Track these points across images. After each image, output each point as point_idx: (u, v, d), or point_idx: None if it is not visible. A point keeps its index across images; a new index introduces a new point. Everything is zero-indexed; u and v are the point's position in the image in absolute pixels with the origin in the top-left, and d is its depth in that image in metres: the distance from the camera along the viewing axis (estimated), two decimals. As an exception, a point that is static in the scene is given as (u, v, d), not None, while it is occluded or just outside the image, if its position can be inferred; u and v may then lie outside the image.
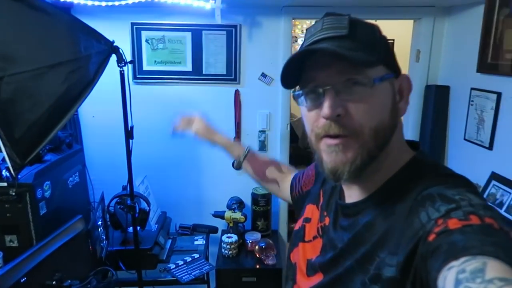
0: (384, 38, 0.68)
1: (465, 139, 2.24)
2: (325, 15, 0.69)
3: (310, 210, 0.87)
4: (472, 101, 2.18)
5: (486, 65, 2.06)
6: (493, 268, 0.44)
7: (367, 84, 0.62)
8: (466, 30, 2.22)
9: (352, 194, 0.74)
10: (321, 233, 0.79)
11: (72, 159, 2.08)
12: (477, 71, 2.11)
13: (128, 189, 1.79)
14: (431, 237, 0.53)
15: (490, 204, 0.57)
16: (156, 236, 2.13)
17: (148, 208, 2.01)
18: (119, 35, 1.70)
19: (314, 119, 0.67)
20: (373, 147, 0.64)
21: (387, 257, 0.60)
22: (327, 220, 0.78)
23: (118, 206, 1.99)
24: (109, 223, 2.00)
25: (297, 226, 0.90)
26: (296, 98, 0.70)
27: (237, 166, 1.24)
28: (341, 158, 0.65)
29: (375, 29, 0.68)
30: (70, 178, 2.02)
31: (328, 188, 0.84)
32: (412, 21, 2.49)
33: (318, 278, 0.75)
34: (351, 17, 0.66)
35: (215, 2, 1.99)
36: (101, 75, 1.52)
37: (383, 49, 0.66)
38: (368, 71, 0.62)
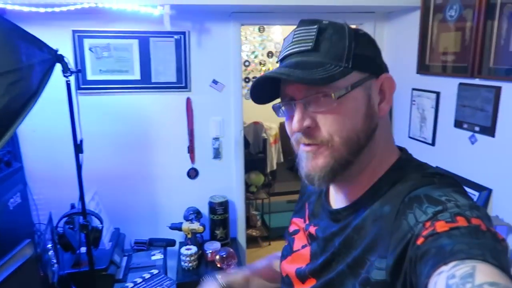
0: (355, 43, 0.66)
1: (409, 136, 2.38)
2: (299, 24, 0.70)
3: (297, 223, 0.87)
4: (414, 100, 2.32)
5: (424, 67, 2.20)
6: (482, 272, 0.44)
7: (332, 97, 0.65)
8: (405, 34, 2.36)
9: (341, 199, 0.74)
10: (310, 241, 0.79)
11: (11, 178, 1.91)
12: (417, 73, 2.26)
13: (80, 206, 1.67)
14: (420, 240, 0.54)
15: (476, 204, 0.57)
16: (110, 255, 2.02)
17: (101, 225, 1.89)
18: (59, 43, 1.59)
19: (291, 128, 0.70)
20: (345, 154, 0.66)
21: (377, 260, 0.61)
22: (313, 228, 0.78)
23: (68, 226, 1.86)
24: (58, 245, 1.86)
25: (286, 241, 0.89)
26: (275, 110, 0.73)
27: None
28: (313, 164, 0.68)
29: (344, 36, 0.66)
30: (11, 199, 1.84)
31: (312, 200, 0.85)
32: (354, 26, 2.61)
33: (310, 283, 0.75)
34: (321, 25, 0.67)
35: (163, 8, 1.94)
36: (45, 86, 1.41)
37: (353, 56, 0.65)
38: (337, 82, 0.64)
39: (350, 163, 0.67)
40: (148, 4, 1.94)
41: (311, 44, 0.66)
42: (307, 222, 0.83)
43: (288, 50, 0.69)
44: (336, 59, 0.65)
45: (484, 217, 0.54)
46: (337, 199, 0.76)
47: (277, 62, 0.72)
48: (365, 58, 0.67)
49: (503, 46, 1.67)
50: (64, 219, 1.83)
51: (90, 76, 2.29)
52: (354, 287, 0.64)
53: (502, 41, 1.68)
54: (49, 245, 1.69)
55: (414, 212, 0.58)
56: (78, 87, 2.27)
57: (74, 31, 2.22)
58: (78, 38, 2.23)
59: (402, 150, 0.74)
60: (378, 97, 0.69)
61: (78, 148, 1.56)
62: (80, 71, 2.11)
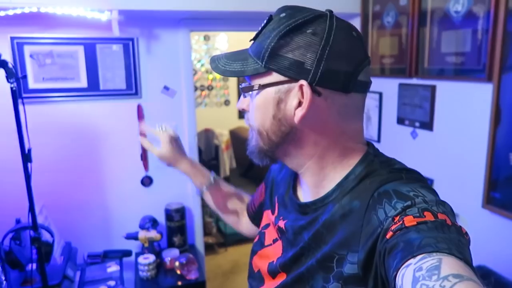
0: (279, 43, 0.64)
1: (356, 135, 2.51)
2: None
3: (267, 216, 0.88)
4: (359, 101, 2.46)
5: (367, 69, 2.35)
6: (448, 264, 0.46)
7: (248, 90, 0.70)
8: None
9: (309, 193, 0.75)
10: (280, 235, 0.80)
11: None
12: (361, 75, 2.40)
13: (29, 219, 1.58)
14: (389, 234, 0.55)
15: (441, 199, 0.61)
16: (63, 269, 1.92)
17: (52, 239, 1.80)
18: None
19: None
20: (261, 143, 0.72)
21: (349, 255, 0.62)
22: (282, 222, 0.79)
23: (14, 242, 1.75)
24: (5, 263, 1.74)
25: (257, 236, 0.89)
26: None
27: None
28: (249, 144, 0.77)
29: (272, 33, 0.65)
30: None
31: (281, 192, 0.85)
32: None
33: (281, 278, 0.75)
34: (274, 17, 0.67)
35: (111, 14, 1.90)
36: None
37: (269, 56, 0.65)
38: (254, 79, 0.69)
39: (269, 153, 0.73)
40: (96, 9, 1.90)
41: (256, 34, 0.69)
42: (276, 214, 0.83)
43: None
44: (256, 55, 0.67)
45: (449, 213, 0.58)
46: (305, 193, 0.77)
47: None
48: (285, 60, 0.64)
49: (435, 49, 1.84)
50: (10, 234, 1.72)
51: (32, 85, 2.17)
52: (326, 280, 0.65)
53: (434, 44, 1.84)
54: (-4, 264, 1.58)
55: (384, 207, 0.59)
56: (20, 96, 2.14)
57: (12, 38, 2.10)
58: (18, 45, 2.11)
59: (368, 145, 0.74)
60: (297, 102, 0.65)
61: (27, 157, 1.48)
62: (25, 77, 2.00)
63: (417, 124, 1.99)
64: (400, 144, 2.14)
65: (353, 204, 0.65)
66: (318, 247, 0.68)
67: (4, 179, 2.13)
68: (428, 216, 0.54)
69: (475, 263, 1.66)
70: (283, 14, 0.66)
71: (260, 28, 0.69)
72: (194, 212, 2.66)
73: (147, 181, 2.50)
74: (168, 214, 2.46)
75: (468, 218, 1.75)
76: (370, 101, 2.34)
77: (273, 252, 0.79)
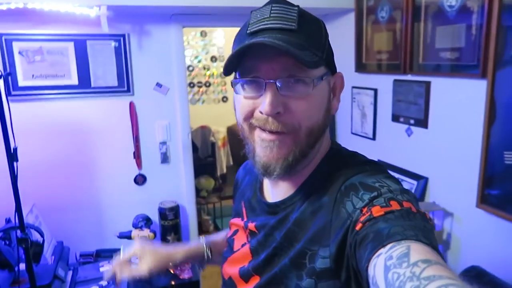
0: (326, 36, 0.68)
1: (352, 132, 2.49)
2: (273, 1, 0.65)
3: (235, 223, 0.86)
4: (354, 98, 2.43)
5: (361, 65, 2.32)
6: (416, 251, 0.48)
7: (309, 83, 0.62)
8: (342, 35, 2.47)
9: (277, 193, 0.74)
10: (250, 238, 0.79)
11: None
12: (355, 71, 2.37)
13: (16, 219, 1.56)
14: (358, 226, 0.56)
15: (404, 188, 0.62)
16: (54, 269, 1.89)
17: (41, 239, 1.78)
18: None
19: (250, 108, 0.66)
20: (305, 146, 0.65)
21: (320, 250, 0.62)
22: (252, 224, 0.78)
23: (3, 242, 1.72)
24: (-7, 263, 1.72)
25: (227, 244, 0.88)
26: (233, 85, 0.67)
27: (209, 263, 0.98)
28: (275, 154, 0.64)
29: (322, 26, 0.67)
30: None
31: (247, 197, 0.84)
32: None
33: (254, 281, 0.74)
34: (300, 9, 0.64)
35: (100, 9, 1.87)
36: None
37: (327, 48, 0.66)
38: (312, 70, 0.62)
39: (306, 156, 0.67)
40: (84, 4, 1.86)
41: (294, 24, 0.62)
42: (245, 219, 0.82)
43: (266, 24, 0.62)
44: (315, 47, 0.63)
45: (413, 200, 0.59)
46: (273, 193, 0.76)
47: (247, 34, 0.64)
48: (331, 53, 0.68)
49: (430, 44, 1.81)
50: (-1, 235, 1.69)
51: (22, 82, 2.15)
52: (300, 278, 0.64)
53: (428, 40, 1.81)
54: (-17, 264, 1.56)
55: (351, 199, 0.60)
56: (9, 94, 2.12)
57: (0, 34, 2.07)
58: (6, 42, 2.08)
59: (331, 141, 0.75)
60: (331, 94, 0.70)
61: (13, 156, 1.46)
62: (10, 74, 1.97)
63: (412, 121, 1.96)
64: (395, 142, 2.11)
65: (322, 200, 0.65)
66: (291, 246, 0.67)
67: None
68: (394, 205, 0.56)
69: (468, 263, 1.63)
70: (296, 8, 0.65)
71: (293, 17, 0.62)
72: (189, 211, 2.64)
73: (140, 179, 2.48)
74: (162, 213, 2.44)
75: (463, 217, 1.72)
76: (365, 98, 2.31)
77: (243, 256, 0.78)
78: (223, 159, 4.36)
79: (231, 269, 0.81)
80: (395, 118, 2.09)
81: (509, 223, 1.49)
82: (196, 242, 0.98)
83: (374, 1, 2.14)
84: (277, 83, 0.62)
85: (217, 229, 4.14)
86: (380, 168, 0.68)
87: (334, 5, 2.30)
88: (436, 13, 1.74)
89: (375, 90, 2.23)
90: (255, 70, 0.63)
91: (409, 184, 1.98)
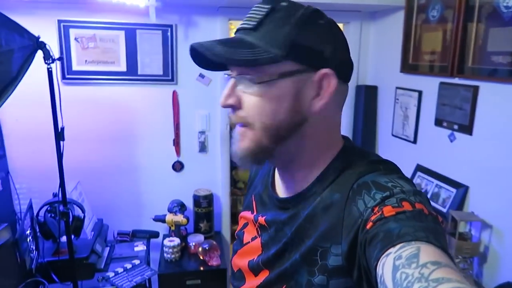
0: (299, 31, 0.63)
1: (392, 134, 2.41)
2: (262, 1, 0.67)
3: (245, 216, 0.87)
4: (397, 99, 2.35)
5: (408, 66, 2.24)
6: (426, 252, 0.47)
7: (258, 81, 0.63)
8: (390, 34, 2.40)
9: (288, 188, 0.74)
10: (260, 232, 0.79)
11: (-7, 166, 1.91)
12: (401, 71, 2.29)
13: (60, 195, 1.68)
14: (369, 225, 0.56)
15: (418, 189, 0.60)
16: (92, 244, 2.02)
17: (82, 215, 1.90)
18: (44, 33, 1.57)
19: None
20: (264, 140, 0.66)
21: (332, 247, 0.62)
22: (262, 218, 0.78)
23: (49, 215, 1.86)
24: (39, 233, 1.86)
25: (236, 237, 0.89)
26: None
27: None
28: (238, 145, 0.68)
29: (289, 21, 0.63)
30: (-8, 187, 1.84)
31: (258, 191, 0.84)
32: (342, 24, 2.64)
33: (264, 275, 0.74)
34: (277, 6, 0.64)
35: (149, 1, 1.94)
36: (25, 72, 1.41)
37: (290, 45, 0.62)
38: (265, 68, 0.62)
39: (271, 150, 0.67)
40: (134, -5, 1.95)
41: (253, 23, 0.64)
42: (255, 213, 0.82)
43: (241, 24, 0.67)
44: (270, 44, 0.62)
45: (426, 202, 0.58)
46: (284, 189, 0.76)
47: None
48: (307, 49, 0.63)
49: (481, 47, 1.71)
50: (46, 207, 1.83)
51: (75, 67, 2.29)
52: (311, 274, 0.64)
53: (480, 42, 1.71)
54: (28, 232, 1.69)
55: (363, 198, 0.60)
56: (64, 77, 2.27)
57: (59, 21, 2.21)
58: (64, 28, 2.22)
59: (345, 138, 0.74)
60: (314, 92, 0.65)
61: (59, 135, 1.56)
62: (61, 58, 2.10)
63: (455, 126, 1.87)
64: (436, 147, 2.02)
65: (333, 197, 0.65)
66: (302, 242, 0.67)
67: (46, 155, 2.26)
68: (406, 206, 0.55)
69: (504, 278, 1.55)
70: (283, 3, 0.65)
71: (258, 17, 0.64)
72: (223, 200, 2.69)
73: (178, 166, 2.56)
74: (196, 200, 2.51)
75: (503, 230, 1.63)
76: (409, 99, 2.23)
77: (252, 249, 0.79)
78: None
79: (241, 262, 0.81)
80: (438, 122, 2.00)
81: (553, 242, 1.39)
82: None
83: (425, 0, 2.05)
84: (235, 79, 0.66)
85: (251, 221, 4.19)
86: (394, 168, 0.68)
87: (383, 2, 2.23)
88: (490, 14, 1.64)
89: (420, 92, 2.15)
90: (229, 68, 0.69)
91: (447, 192, 1.90)
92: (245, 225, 0.85)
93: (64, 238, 1.81)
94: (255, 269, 0.77)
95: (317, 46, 0.63)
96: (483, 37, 1.69)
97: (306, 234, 0.67)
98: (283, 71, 0.63)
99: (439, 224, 0.55)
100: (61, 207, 1.66)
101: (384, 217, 0.55)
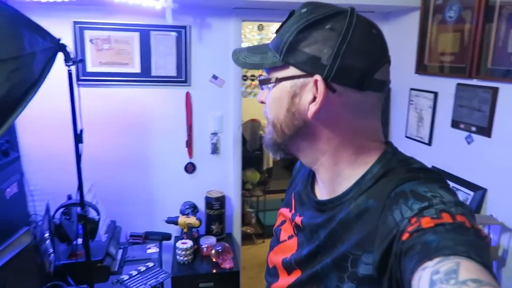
0: (298, 37, 0.65)
1: (406, 136, 2.40)
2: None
3: (283, 213, 0.88)
4: (412, 100, 2.34)
5: (423, 67, 2.22)
6: (466, 268, 0.45)
7: (267, 82, 0.70)
8: (404, 34, 2.38)
9: (326, 191, 0.74)
10: (296, 231, 0.80)
11: (9, 168, 1.91)
12: (415, 72, 2.28)
13: (78, 197, 1.67)
14: (405, 236, 0.54)
15: (460, 200, 0.58)
16: (106, 247, 2.02)
17: (97, 217, 1.89)
18: (60, 34, 1.56)
19: None
20: (275, 135, 0.72)
21: (364, 255, 0.61)
22: (299, 219, 0.78)
23: (64, 217, 1.85)
24: (54, 235, 1.85)
25: (274, 233, 0.90)
26: None
27: None
28: (266, 138, 0.77)
29: (292, 28, 0.65)
30: (8, 189, 1.84)
31: (298, 189, 0.85)
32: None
33: (296, 274, 0.75)
34: (296, 12, 0.68)
35: (166, 2, 1.94)
36: (47, 75, 1.41)
37: (287, 50, 0.65)
38: (273, 72, 0.69)
39: (282, 145, 0.73)
40: (150, -3, 1.94)
41: (278, 29, 0.70)
42: (293, 211, 0.83)
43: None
44: (275, 49, 0.68)
45: (468, 214, 0.55)
46: (322, 191, 0.76)
47: None
48: (303, 54, 0.64)
49: (501, 48, 1.70)
50: (61, 209, 1.82)
51: (90, 68, 2.28)
52: (341, 280, 0.64)
53: (500, 43, 1.70)
54: (47, 235, 1.69)
55: (400, 207, 0.58)
56: (78, 79, 2.27)
57: (75, 22, 2.21)
58: (79, 30, 2.22)
59: (387, 144, 0.72)
60: (311, 96, 0.65)
61: (78, 138, 1.56)
62: (82, 60, 2.10)
63: (473, 128, 1.86)
64: (453, 149, 2.01)
65: (369, 203, 0.64)
66: (334, 246, 0.67)
67: (60, 156, 2.27)
68: (446, 218, 0.53)
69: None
70: (304, 10, 0.67)
71: (281, 23, 0.70)
72: (234, 202, 2.69)
73: (190, 168, 2.56)
74: (208, 202, 2.50)
75: (524, 234, 1.61)
76: (424, 101, 2.22)
77: (288, 248, 0.80)
78: (270, 154, 4.39)
79: (276, 258, 0.82)
80: (455, 124, 1.98)
81: None
82: None
83: (442, 0, 2.04)
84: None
85: (259, 222, 4.18)
86: (436, 176, 0.65)
87: (399, 3, 2.22)
88: (511, 14, 1.62)
89: (435, 94, 2.14)
90: None
91: (465, 194, 1.88)
92: (283, 222, 0.86)
93: (78, 241, 1.81)
94: (288, 268, 0.77)
95: (314, 52, 0.63)
96: (503, 38, 1.68)
97: (339, 239, 0.66)
98: (283, 75, 0.67)
99: (483, 238, 0.52)
100: (79, 210, 1.65)
101: (422, 229, 0.52)
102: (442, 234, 0.51)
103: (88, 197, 2.05)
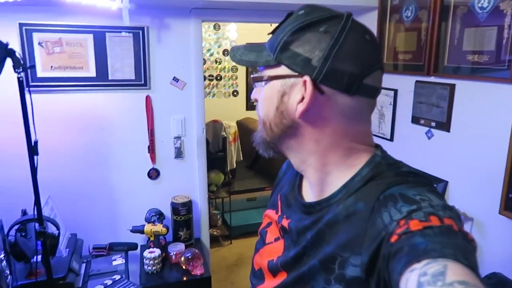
0: (291, 38, 0.66)
1: (368, 132, 2.45)
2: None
3: (269, 215, 0.87)
4: (373, 98, 2.39)
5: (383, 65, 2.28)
6: (453, 271, 0.46)
7: (260, 80, 0.72)
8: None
9: (314, 193, 0.74)
10: (283, 234, 0.79)
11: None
12: (375, 71, 2.33)
13: (34, 212, 1.55)
14: (393, 238, 0.54)
15: (448, 204, 0.59)
16: (68, 262, 1.90)
17: (57, 232, 1.78)
18: (4, 37, 1.44)
19: None
20: (264, 134, 0.74)
21: (351, 257, 0.61)
22: (286, 221, 0.78)
23: (20, 234, 1.72)
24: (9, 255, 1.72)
25: (259, 235, 0.89)
26: None
27: None
28: (257, 135, 0.77)
29: (287, 28, 0.66)
30: (-47, 208, 1.68)
31: (285, 191, 0.84)
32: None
33: (281, 277, 0.75)
34: (293, 13, 0.69)
35: (122, 2, 1.84)
36: (-5, 82, 1.29)
37: (280, 49, 0.66)
38: (265, 70, 0.70)
39: (272, 144, 0.74)
40: (106, -3, 1.84)
41: (274, 29, 0.70)
42: (280, 213, 0.82)
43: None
44: (270, 48, 0.69)
45: (456, 218, 0.56)
46: (310, 193, 0.76)
47: None
48: (295, 55, 0.65)
49: (456, 46, 1.77)
50: (16, 226, 1.69)
51: (40, 73, 2.14)
52: (328, 282, 0.64)
53: (455, 41, 1.77)
54: (1, 256, 1.56)
55: (389, 210, 0.59)
56: (28, 85, 2.11)
57: (21, 24, 2.06)
58: (26, 32, 2.07)
59: (377, 147, 0.73)
60: (300, 97, 0.66)
61: (33, 149, 1.45)
62: (33, 66, 1.96)
63: (433, 124, 1.93)
64: (414, 144, 2.08)
65: (357, 206, 0.64)
66: (320, 247, 0.67)
67: (11, 169, 2.11)
68: (434, 221, 0.54)
69: (490, 269, 1.61)
70: (301, 12, 0.67)
71: (279, 23, 0.70)
72: (201, 205, 2.63)
73: (154, 174, 2.47)
74: (175, 208, 2.44)
75: (484, 223, 1.70)
76: (385, 98, 2.28)
77: (274, 250, 0.79)
78: (234, 154, 4.35)
79: (262, 261, 0.82)
80: (415, 120, 2.05)
81: (534, 232, 1.46)
82: None
83: (399, 0, 2.10)
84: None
85: (225, 223, 4.14)
86: (424, 180, 0.66)
87: (357, 3, 2.26)
88: (465, 14, 1.70)
89: (395, 91, 2.20)
90: None
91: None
92: (269, 224, 0.85)
93: (37, 258, 1.69)
94: (273, 270, 0.77)
95: (306, 53, 0.64)
96: (458, 37, 1.75)
97: (325, 240, 0.67)
98: (275, 74, 0.68)
99: (469, 242, 0.53)
100: (37, 226, 1.54)
101: (410, 231, 0.53)
102: (430, 237, 0.51)
103: (45, 211, 1.92)
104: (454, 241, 0.51)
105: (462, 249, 0.50)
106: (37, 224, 1.56)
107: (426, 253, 0.49)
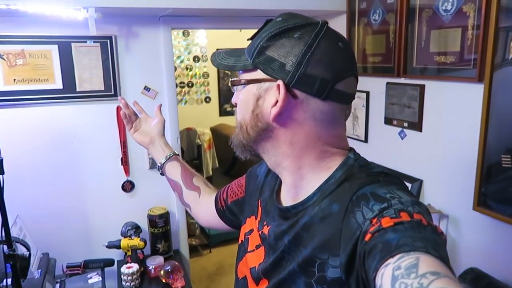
0: (267, 43, 0.67)
1: (343, 135, 2.48)
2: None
3: (250, 222, 0.87)
4: (345, 100, 2.42)
5: (353, 68, 2.31)
6: (425, 263, 0.48)
7: (238, 83, 0.74)
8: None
9: (290, 197, 0.76)
10: (263, 241, 0.80)
11: None
12: (347, 73, 2.36)
13: (3, 233, 1.47)
14: (367, 237, 0.56)
15: (417, 200, 0.62)
16: (41, 284, 1.81)
17: (27, 253, 1.69)
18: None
19: None
20: (241, 136, 0.75)
21: (330, 259, 0.63)
22: (266, 228, 0.79)
23: (-13, 258, 1.63)
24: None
25: (240, 240, 0.89)
26: None
27: (161, 168, 1.22)
28: (234, 138, 0.79)
29: (264, 34, 0.69)
30: None
31: (265, 197, 0.85)
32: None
33: (263, 284, 0.75)
34: (272, 19, 0.71)
35: (88, 12, 1.79)
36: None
37: (257, 54, 0.69)
38: (242, 74, 0.73)
39: (248, 146, 0.76)
40: (71, 6, 1.78)
41: (253, 35, 0.72)
42: (259, 219, 0.83)
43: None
44: (247, 53, 0.71)
45: (425, 213, 0.59)
46: (287, 197, 0.78)
47: None
48: (270, 60, 0.67)
49: (424, 47, 1.81)
50: (-18, 250, 1.60)
51: (2, 87, 2.04)
52: (307, 286, 0.65)
53: (422, 43, 1.82)
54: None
55: (362, 209, 0.61)
56: (-12, 100, 2.02)
57: (-20, 37, 1.96)
58: (-15, 44, 1.97)
59: (350, 150, 0.75)
60: (274, 100, 0.68)
61: (-2, 168, 1.37)
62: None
63: (405, 124, 1.97)
64: (388, 145, 2.11)
65: (332, 207, 0.66)
66: (298, 250, 0.68)
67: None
68: (404, 217, 0.56)
69: (466, 265, 1.64)
70: (279, 19, 0.70)
71: (257, 30, 0.72)
72: (178, 216, 2.58)
73: (128, 186, 2.41)
74: (151, 220, 2.38)
75: (459, 219, 1.74)
76: (357, 100, 2.31)
77: (256, 257, 0.80)
78: (209, 162, 4.31)
79: (245, 269, 0.82)
80: (388, 121, 2.09)
81: (506, 225, 1.51)
82: (168, 148, 1.23)
83: (366, 4, 2.13)
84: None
85: (203, 232, 4.08)
86: (394, 179, 0.69)
87: (325, 8, 2.29)
88: (431, 16, 1.74)
89: (367, 93, 2.24)
90: None
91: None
92: (250, 231, 0.86)
93: (6, 282, 1.60)
94: (256, 278, 0.78)
95: (280, 58, 0.66)
96: (425, 39, 1.80)
97: (303, 243, 0.68)
98: (251, 78, 0.71)
99: (438, 234, 0.56)
100: (6, 249, 1.46)
101: (382, 228, 0.55)
102: (402, 232, 0.53)
103: (14, 231, 1.83)
104: (424, 234, 0.53)
105: (432, 242, 0.52)
106: (5, 247, 1.48)
107: (398, 247, 0.51)
